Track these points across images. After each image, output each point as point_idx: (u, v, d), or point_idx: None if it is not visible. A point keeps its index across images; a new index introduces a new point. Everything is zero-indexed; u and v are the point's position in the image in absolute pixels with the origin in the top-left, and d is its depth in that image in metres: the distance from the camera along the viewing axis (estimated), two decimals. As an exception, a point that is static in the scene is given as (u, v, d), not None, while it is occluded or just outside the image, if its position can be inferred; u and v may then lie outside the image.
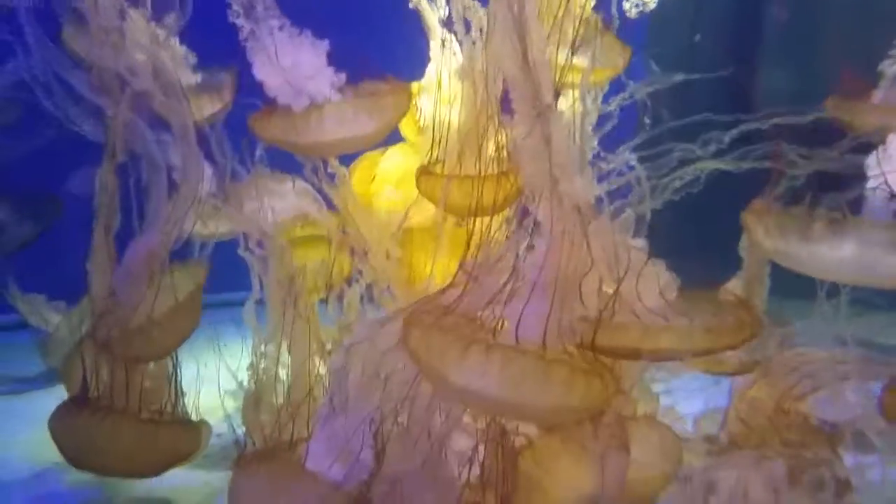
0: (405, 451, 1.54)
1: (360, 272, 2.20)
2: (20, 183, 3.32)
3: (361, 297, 2.26)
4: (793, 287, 1.82)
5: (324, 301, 2.28)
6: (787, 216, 1.59)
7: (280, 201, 2.24)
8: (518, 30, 1.45)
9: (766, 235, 1.59)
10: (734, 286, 1.96)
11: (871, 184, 1.69)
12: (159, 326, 1.91)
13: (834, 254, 1.55)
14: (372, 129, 1.94)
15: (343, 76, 1.93)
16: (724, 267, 2.03)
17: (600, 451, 1.52)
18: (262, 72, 1.90)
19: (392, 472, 1.52)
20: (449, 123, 1.96)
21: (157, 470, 2.04)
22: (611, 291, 1.50)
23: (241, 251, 2.18)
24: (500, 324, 1.48)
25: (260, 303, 2.23)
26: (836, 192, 1.89)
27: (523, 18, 1.46)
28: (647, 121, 2.18)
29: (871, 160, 1.71)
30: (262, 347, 2.14)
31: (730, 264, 2.01)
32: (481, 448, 1.64)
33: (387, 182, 2.19)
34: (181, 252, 2.05)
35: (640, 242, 1.65)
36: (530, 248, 1.50)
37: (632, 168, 1.87)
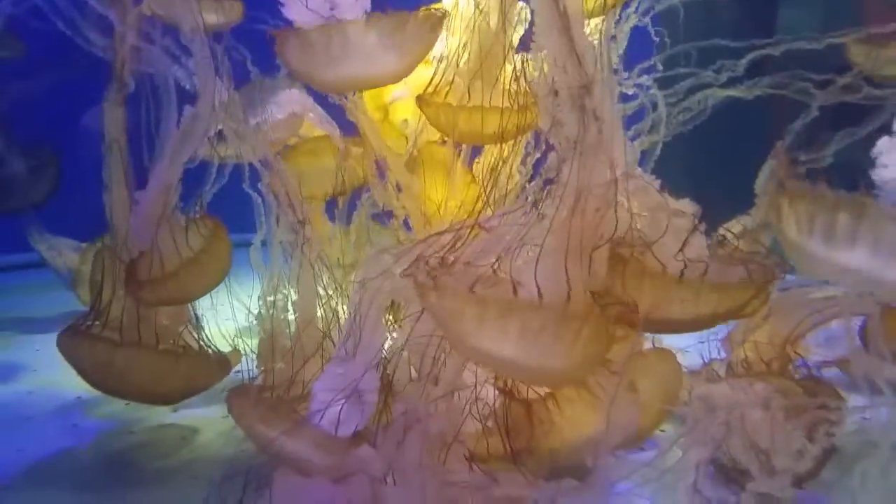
0: (413, 389, 1.56)
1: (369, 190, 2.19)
2: (28, 124, 3.31)
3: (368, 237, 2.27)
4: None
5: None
6: (817, 206, 1.49)
7: (279, 110, 2.21)
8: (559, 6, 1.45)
9: (796, 227, 1.52)
10: (746, 221, 1.96)
11: (884, 174, 1.56)
12: (187, 273, 1.91)
13: (846, 262, 1.48)
14: (395, 57, 1.81)
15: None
16: (733, 200, 2.01)
17: (613, 396, 1.54)
18: (294, 11, 1.83)
19: (398, 409, 1.54)
20: (460, 51, 1.93)
21: (176, 398, 2.08)
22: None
23: (245, 185, 2.18)
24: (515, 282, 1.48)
25: (264, 244, 2.23)
26: (851, 128, 1.86)
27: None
28: (657, 62, 2.15)
29: (882, 145, 1.58)
30: (271, 297, 2.15)
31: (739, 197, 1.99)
32: (493, 391, 1.67)
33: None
34: (193, 186, 2.05)
35: (688, 205, 1.62)
36: (548, 192, 1.50)
37: (648, 92, 1.84)
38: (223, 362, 2.10)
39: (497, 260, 1.49)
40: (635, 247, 1.54)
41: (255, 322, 2.23)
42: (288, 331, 2.09)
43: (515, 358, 1.39)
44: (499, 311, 1.35)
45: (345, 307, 2.01)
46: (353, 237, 2.39)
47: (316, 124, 2.33)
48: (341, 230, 2.45)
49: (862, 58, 2.07)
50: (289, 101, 2.24)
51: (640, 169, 1.90)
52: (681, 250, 1.53)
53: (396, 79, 1.95)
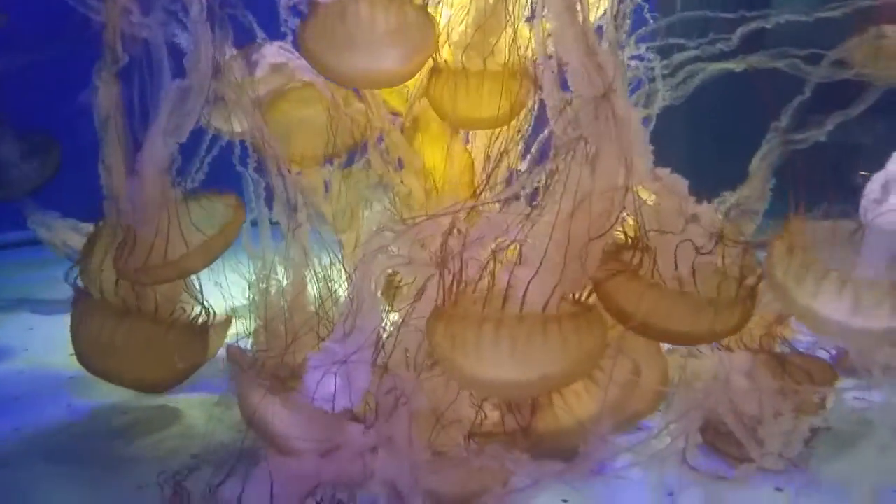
0: (406, 370, 1.56)
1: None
2: (22, 103, 3.22)
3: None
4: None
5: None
6: (810, 263, 1.47)
7: (261, 65, 2.15)
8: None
9: (784, 273, 1.51)
10: (738, 195, 1.96)
11: (871, 214, 1.51)
12: (193, 257, 1.90)
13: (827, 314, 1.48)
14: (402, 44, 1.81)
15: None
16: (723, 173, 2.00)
17: (610, 380, 1.54)
18: None
19: (385, 386, 1.54)
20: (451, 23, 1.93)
21: (170, 379, 2.07)
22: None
23: (236, 161, 2.16)
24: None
25: (255, 224, 2.22)
26: (842, 109, 1.85)
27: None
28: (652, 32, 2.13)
29: (874, 182, 1.52)
30: (263, 284, 2.14)
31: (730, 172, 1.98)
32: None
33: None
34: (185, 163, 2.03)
35: (710, 211, 1.61)
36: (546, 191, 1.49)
37: (645, 64, 1.83)
38: (214, 331, 2.09)
39: (494, 256, 1.49)
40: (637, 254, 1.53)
41: (249, 301, 2.23)
42: (283, 314, 2.08)
43: (517, 377, 1.41)
44: (492, 331, 1.36)
45: (340, 283, 2.00)
46: (346, 202, 2.36)
47: (299, 76, 2.22)
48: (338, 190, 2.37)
49: (864, 59, 2.04)
50: (271, 55, 2.16)
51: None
52: (701, 254, 1.52)
53: (400, 74, 1.93)
